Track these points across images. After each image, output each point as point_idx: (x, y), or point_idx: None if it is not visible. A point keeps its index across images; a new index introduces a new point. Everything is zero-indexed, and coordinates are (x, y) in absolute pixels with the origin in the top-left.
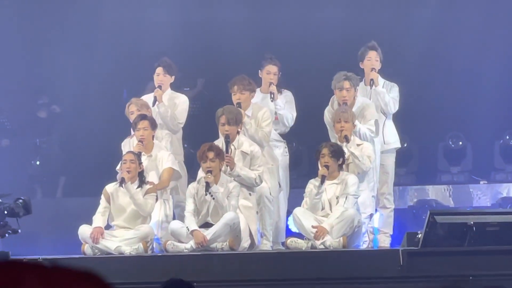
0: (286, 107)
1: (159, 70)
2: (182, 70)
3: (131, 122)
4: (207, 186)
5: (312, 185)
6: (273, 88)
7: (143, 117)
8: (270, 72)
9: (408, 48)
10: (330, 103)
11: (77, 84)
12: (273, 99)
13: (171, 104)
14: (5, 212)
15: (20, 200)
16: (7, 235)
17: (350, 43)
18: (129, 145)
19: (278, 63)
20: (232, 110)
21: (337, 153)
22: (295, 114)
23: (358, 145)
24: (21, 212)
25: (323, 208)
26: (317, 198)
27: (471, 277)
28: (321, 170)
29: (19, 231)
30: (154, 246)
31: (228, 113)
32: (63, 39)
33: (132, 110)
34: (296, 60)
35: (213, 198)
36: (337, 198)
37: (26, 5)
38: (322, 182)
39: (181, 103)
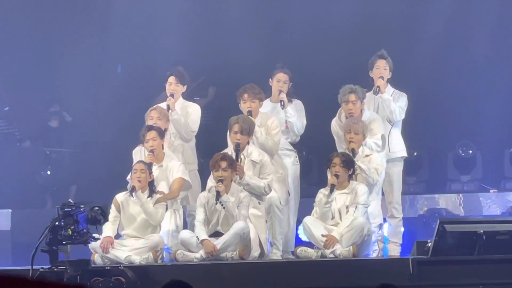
0: (296, 115)
1: (172, 79)
2: (193, 79)
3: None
4: (218, 195)
5: (322, 194)
6: (283, 96)
7: (149, 128)
8: (280, 80)
9: (418, 57)
10: (337, 115)
11: (87, 93)
12: (283, 106)
13: (184, 112)
14: (79, 219)
15: (96, 208)
16: (90, 241)
17: (361, 52)
18: (140, 153)
19: (289, 72)
20: (246, 120)
21: (348, 163)
22: (305, 123)
23: (366, 155)
24: (102, 219)
25: (333, 217)
26: (327, 207)
27: (481, 286)
28: (331, 179)
29: (101, 238)
30: (164, 255)
31: (243, 122)
32: (74, 48)
33: (152, 116)
34: (307, 69)
35: (224, 207)
36: (347, 207)
37: (37, 14)
38: (331, 191)
39: (194, 111)
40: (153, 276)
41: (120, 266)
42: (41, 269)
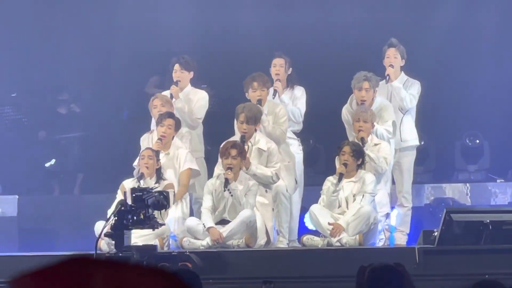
0: (295, 102)
1: (176, 66)
2: (198, 68)
3: (152, 115)
4: (226, 182)
5: (329, 182)
6: (277, 85)
7: (170, 115)
8: (276, 65)
9: (426, 45)
10: (348, 102)
11: (95, 81)
12: (274, 96)
13: (189, 99)
14: (151, 204)
15: (157, 193)
16: (158, 227)
17: (369, 42)
18: (148, 140)
19: (286, 57)
20: (252, 109)
21: (358, 153)
22: (303, 110)
23: (375, 144)
24: (167, 205)
25: (339, 206)
26: (334, 196)
27: (487, 275)
28: (339, 168)
29: (166, 223)
30: (170, 242)
31: (248, 111)
32: (82, 37)
33: (155, 104)
34: (314, 58)
35: (231, 195)
36: (354, 196)
37: (46, 3)
38: (339, 179)
39: (200, 99)
40: (219, 261)
41: (186, 251)
42: (107, 255)
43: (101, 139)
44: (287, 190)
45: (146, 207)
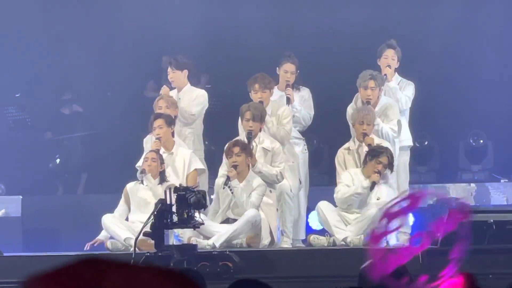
0: (303, 105)
1: (168, 69)
2: (201, 67)
3: None
4: (227, 179)
5: (356, 179)
6: (289, 92)
7: (157, 116)
8: (287, 71)
9: (430, 45)
10: (354, 101)
11: (98, 81)
12: (289, 103)
13: (186, 98)
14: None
15: (197, 192)
16: (199, 226)
17: (372, 41)
18: (151, 141)
19: (296, 61)
20: (257, 107)
21: (391, 165)
22: (312, 113)
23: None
24: (206, 204)
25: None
26: (357, 197)
27: (490, 276)
28: (374, 176)
29: (205, 223)
30: (174, 242)
31: (254, 109)
32: (85, 37)
33: (160, 105)
34: (318, 57)
35: (232, 192)
36: (377, 199)
37: (49, 4)
38: (371, 188)
39: (199, 96)
40: (258, 261)
41: (226, 251)
42: (147, 254)
43: (104, 139)
44: (291, 190)
45: (188, 206)
